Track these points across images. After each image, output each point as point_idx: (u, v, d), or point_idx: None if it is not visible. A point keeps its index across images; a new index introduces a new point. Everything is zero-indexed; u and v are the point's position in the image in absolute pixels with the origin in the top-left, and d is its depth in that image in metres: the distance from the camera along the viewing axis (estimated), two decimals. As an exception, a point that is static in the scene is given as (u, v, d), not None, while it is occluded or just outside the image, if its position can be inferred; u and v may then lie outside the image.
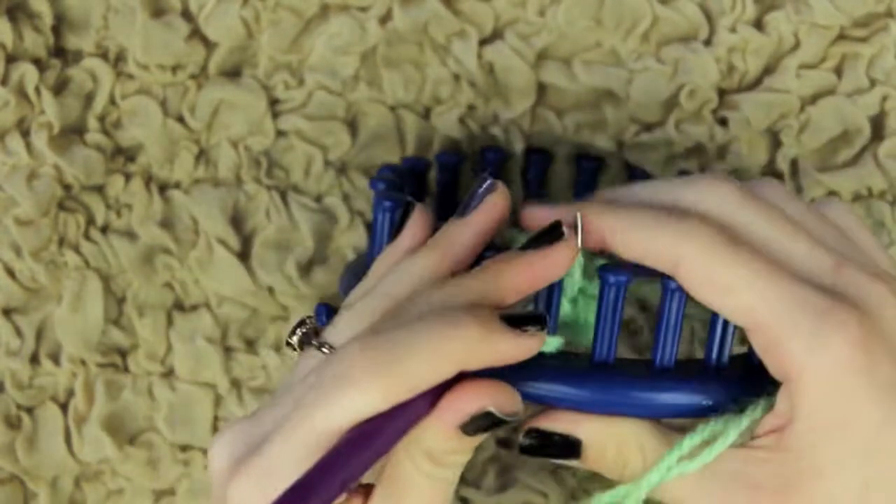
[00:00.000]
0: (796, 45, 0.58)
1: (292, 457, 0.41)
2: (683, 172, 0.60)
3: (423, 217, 0.48)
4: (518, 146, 0.61)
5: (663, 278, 0.46)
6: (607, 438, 0.46)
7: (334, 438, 0.41)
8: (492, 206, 0.46)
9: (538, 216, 0.48)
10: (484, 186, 0.47)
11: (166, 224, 0.60)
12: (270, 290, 0.61)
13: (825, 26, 0.58)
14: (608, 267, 0.46)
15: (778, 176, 0.60)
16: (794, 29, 0.58)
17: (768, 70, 0.59)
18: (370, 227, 0.55)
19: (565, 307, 0.48)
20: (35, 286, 0.60)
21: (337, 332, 0.45)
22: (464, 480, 0.63)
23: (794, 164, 0.60)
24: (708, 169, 0.60)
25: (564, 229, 0.45)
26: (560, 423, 0.47)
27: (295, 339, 0.45)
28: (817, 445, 0.43)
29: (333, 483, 0.40)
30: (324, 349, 0.44)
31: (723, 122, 0.59)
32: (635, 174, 0.60)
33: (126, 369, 0.61)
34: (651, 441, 0.46)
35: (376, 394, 0.41)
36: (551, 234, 0.45)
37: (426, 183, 0.59)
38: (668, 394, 0.46)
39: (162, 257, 0.60)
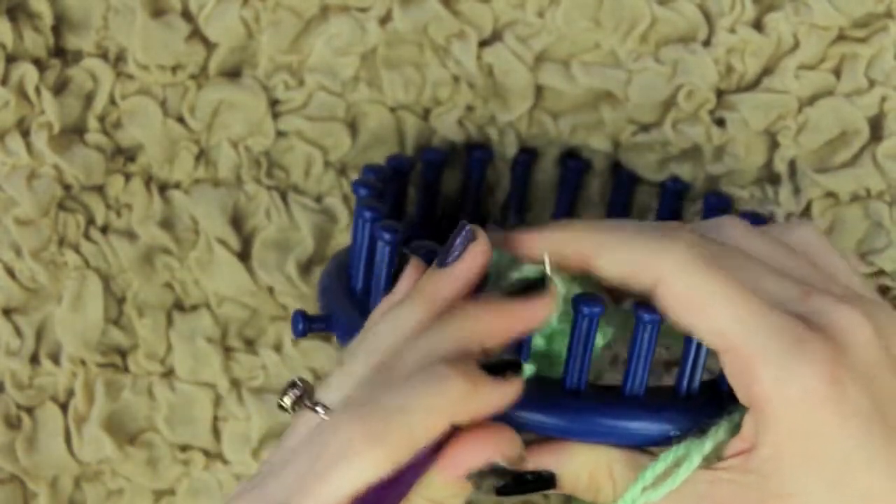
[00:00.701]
0: (795, 46, 0.58)
1: None
2: (675, 179, 0.60)
3: (418, 271, 0.48)
4: (512, 149, 0.61)
5: (636, 308, 0.46)
6: (579, 467, 0.47)
7: None
8: (473, 255, 0.47)
9: (526, 242, 0.48)
10: (463, 234, 0.47)
11: (166, 224, 0.60)
12: (270, 289, 0.61)
13: (824, 27, 0.58)
14: (582, 297, 0.47)
15: (776, 177, 0.60)
16: (794, 29, 0.58)
17: (767, 71, 0.59)
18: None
19: (539, 341, 0.49)
20: (35, 286, 0.60)
21: (330, 391, 0.45)
22: (464, 480, 0.63)
23: (791, 164, 0.60)
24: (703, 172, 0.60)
25: (549, 281, 0.46)
26: (534, 460, 0.48)
27: (287, 402, 0.46)
28: (783, 471, 0.43)
29: None
30: (318, 409, 0.45)
31: (720, 122, 0.59)
32: (622, 177, 0.60)
33: (126, 369, 0.61)
34: (621, 469, 0.47)
35: (378, 461, 0.42)
36: (535, 288, 0.46)
37: (408, 182, 0.60)
38: (637, 422, 0.47)
39: (162, 257, 0.60)
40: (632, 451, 0.47)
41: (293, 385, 0.46)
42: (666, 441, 0.47)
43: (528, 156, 0.60)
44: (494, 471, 0.44)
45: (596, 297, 0.47)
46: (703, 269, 0.44)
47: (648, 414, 0.47)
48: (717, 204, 0.58)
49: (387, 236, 0.50)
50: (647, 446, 0.47)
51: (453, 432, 0.43)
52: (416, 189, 0.60)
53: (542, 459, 0.48)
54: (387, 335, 0.45)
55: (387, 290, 0.50)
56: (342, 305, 0.53)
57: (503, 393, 0.44)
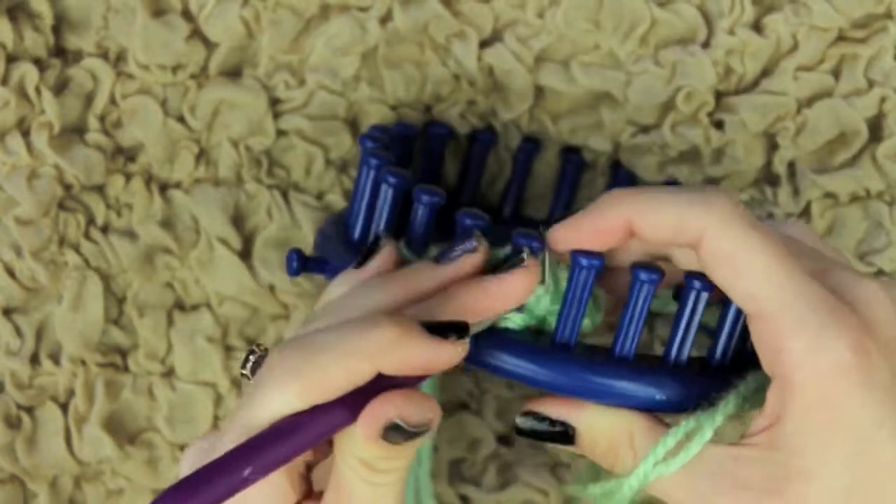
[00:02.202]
0: (794, 47, 0.58)
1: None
2: (671, 182, 0.60)
3: (391, 254, 0.48)
4: (514, 141, 0.61)
5: (633, 269, 0.46)
6: (599, 432, 0.47)
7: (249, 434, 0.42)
8: (467, 265, 0.47)
9: (559, 239, 0.48)
10: (467, 244, 0.47)
11: (167, 224, 0.60)
12: (272, 288, 0.61)
13: (824, 28, 0.58)
14: (580, 252, 0.47)
15: (775, 178, 0.60)
16: (793, 31, 0.58)
17: (766, 72, 0.59)
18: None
19: (528, 317, 0.48)
20: (35, 286, 0.60)
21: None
22: (464, 478, 0.63)
23: (790, 166, 0.60)
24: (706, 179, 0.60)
25: (526, 257, 0.46)
26: (557, 409, 0.47)
27: (248, 368, 0.46)
28: (807, 446, 0.43)
29: (237, 474, 0.41)
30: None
31: (719, 125, 0.59)
32: (620, 176, 0.60)
33: (126, 369, 0.61)
34: (641, 438, 0.46)
35: (292, 392, 0.42)
36: (513, 261, 0.46)
37: (412, 150, 0.60)
38: (623, 382, 0.47)
39: (162, 257, 0.60)
40: (654, 421, 0.47)
41: (251, 352, 0.46)
42: (652, 405, 0.47)
43: (531, 145, 0.60)
44: (402, 432, 0.43)
45: (596, 253, 0.47)
46: (748, 228, 0.44)
47: (635, 376, 0.47)
48: None
49: (392, 179, 0.50)
50: (633, 407, 0.47)
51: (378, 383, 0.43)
52: (419, 161, 0.60)
53: (561, 410, 0.47)
54: (353, 308, 0.45)
55: (387, 229, 0.51)
56: (338, 252, 0.52)
57: (436, 350, 0.43)
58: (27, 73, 0.58)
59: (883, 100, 0.59)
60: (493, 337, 0.47)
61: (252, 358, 0.46)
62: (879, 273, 0.60)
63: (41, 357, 0.61)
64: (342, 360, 0.42)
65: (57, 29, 0.58)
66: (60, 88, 0.58)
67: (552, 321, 0.48)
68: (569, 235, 0.47)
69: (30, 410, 0.61)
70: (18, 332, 0.60)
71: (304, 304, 0.61)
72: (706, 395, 0.47)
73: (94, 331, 0.60)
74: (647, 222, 0.46)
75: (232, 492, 0.41)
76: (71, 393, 0.61)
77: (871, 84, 0.59)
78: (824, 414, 0.43)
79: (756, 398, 0.46)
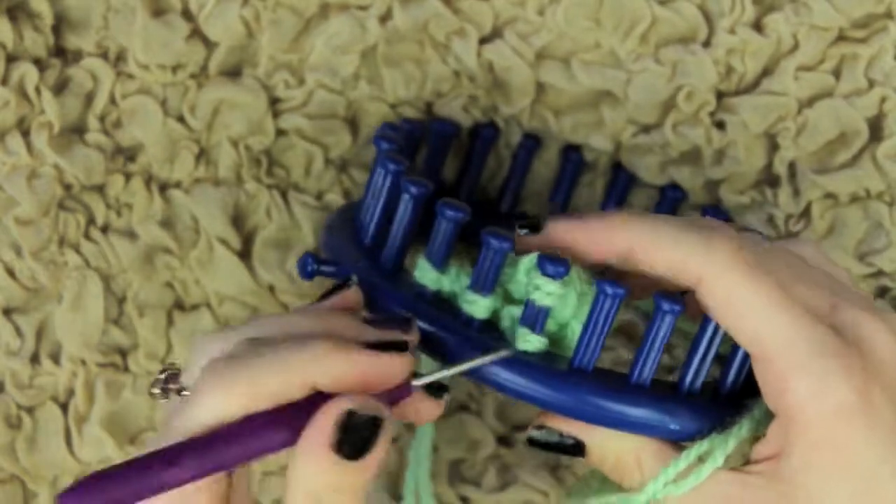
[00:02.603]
0: (795, 47, 0.58)
1: None
2: (675, 187, 0.60)
3: (355, 298, 0.48)
4: (515, 136, 0.61)
5: (657, 298, 0.46)
6: (609, 450, 0.48)
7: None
8: (393, 335, 0.46)
9: (561, 229, 0.48)
10: (409, 330, 0.46)
11: (167, 224, 0.60)
12: (271, 288, 0.61)
13: (824, 28, 0.58)
14: (606, 279, 0.47)
15: (775, 179, 0.60)
16: (794, 30, 0.58)
17: (766, 72, 0.59)
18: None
19: (551, 325, 0.48)
20: (35, 286, 0.60)
21: (195, 373, 0.45)
22: (464, 479, 0.63)
23: (791, 166, 0.60)
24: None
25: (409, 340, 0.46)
26: (569, 427, 0.48)
27: (156, 391, 0.47)
28: (813, 483, 0.44)
29: (149, 482, 0.41)
30: (183, 393, 0.46)
31: (720, 125, 0.59)
32: (620, 178, 0.60)
33: (126, 369, 0.61)
34: (648, 458, 0.47)
35: (228, 396, 0.42)
36: (395, 345, 0.45)
37: (417, 146, 0.59)
38: (638, 411, 0.47)
39: (162, 257, 0.60)
40: (660, 441, 0.47)
41: (165, 370, 0.47)
42: (665, 433, 0.47)
43: (532, 142, 0.60)
44: (353, 445, 0.42)
45: (620, 282, 0.46)
46: (747, 274, 0.44)
47: (650, 404, 0.47)
48: (714, 215, 0.58)
49: (414, 190, 0.49)
50: (646, 434, 0.47)
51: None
52: (421, 157, 0.60)
53: (573, 428, 0.48)
54: (272, 328, 0.45)
55: (405, 239, 0.50)
56: (351, 255, 0.52)
57: (374, 363, 0.43)
58: (27, 72, 0.58)
59: (883, 100, 0.59)
60: (509, 360, 0.47)
61: (163, 376, 0.47)
62: (879, 274, 0.60)
63: (41, 357, 0.61)
64: (272, 372, 0.42)
65: (57, 29, 0.58)
66: (60, 88, 0.58)
67: (574, 330, 0.48)
68: (568, 234, 0.48)
69: (30, 410, 0.61)
70: (19, 332, 0.60)
71: (304, 305, 0.60)
72: (718, 422, 0.47)
73: (94, 331, 0.60)
74: (648, 257, 0.46)
75: (150, 492, 0.41)
76: (71, 393, 0.61)
77: (871, 84, 0.59)
78: (829, 453, 0.44)
79: (767, 423, 0.46)
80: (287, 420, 0.42)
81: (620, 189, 0.60)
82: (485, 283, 0.47)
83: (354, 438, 0.42)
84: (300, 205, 0.60)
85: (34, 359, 0.61)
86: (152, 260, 0.61)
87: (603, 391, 0.47)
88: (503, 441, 0.62)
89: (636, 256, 0.46)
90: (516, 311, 0.48)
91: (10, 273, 0.60)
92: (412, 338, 0.46)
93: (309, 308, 0.48)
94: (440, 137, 0.60)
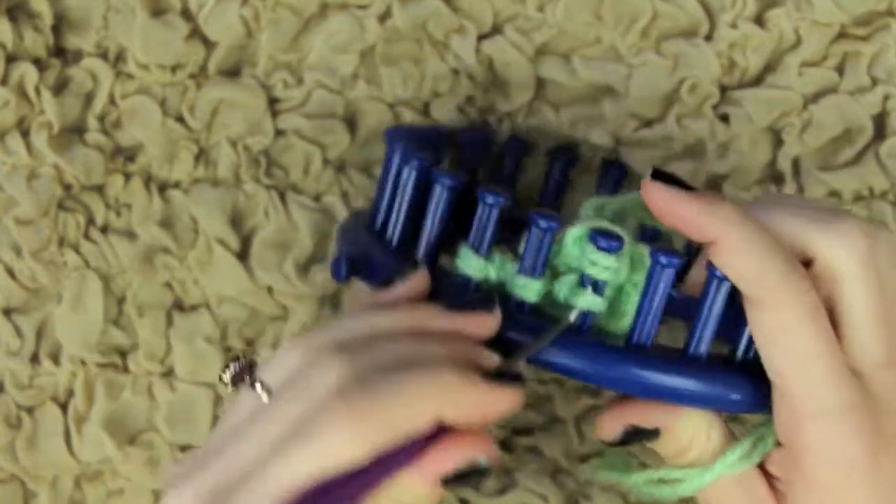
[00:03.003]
0: (797, 43, 0.58)
1: None
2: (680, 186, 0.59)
3: (423, 284, 0.47)
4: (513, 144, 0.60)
5: (710, 267, 0.46)
6: (682, 429, 0.48)
7: (300, 487, 0.40)
8: (479, 322, 0.46)
9: (660, 195, 0.47)
10: (486, 302, 0.46)
11: (166, 224, 0.60)
12: (269, 289, 0.61)
13: (826, 24, 0.57)
14: (662, 249, 0.46)
15: (779, 176, 0.60)
16: (795, 26, 0.58)
17: (769, 67, 0.58)
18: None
19: (604, 295, 0.48)
20: (35, 286, 0.60)
21: (275, 371, 0.44)
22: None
23: (795, 163, 0.59)
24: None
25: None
26: (655, 417, 0.48)
27: (227, 377, 0.45)
28: None
29: None
30: (259, 388, 0.43)
31: (724, 118, 0.59)
32: (610, 172, 0.60)
33: (126, 369, 0.61)
34: (716, 434, 0.48)
35: (356, 442, 0.40)
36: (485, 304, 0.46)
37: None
38: (701, 385, 0.47)
39: (161, 257, 0.60)
40: (720, 419, 0.48)
41: (235, 359, 0.45)
42: (728, 404, 0.47)
43: (518, 144, 0.60)
44: (463, 479, 0.43)
45: (675, 250, 0.46)
46: (805, 318, 0.45)
47: (710, 378, 0.47)
48: None
49: (448, 182, 0.49)
50: (707, 407, 0.47)
51: (435, 435, 0.42)
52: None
53: (656, 418, 0.48)
54: (356, 329, 0.44)
55: (440, 235, 0.49)
56: (378, 254, 0.51)
57: (497, 398, 0.43)
58: (27, 72, 0.58)
59: (886, 97, 0.58)
60: (570, 341, 0.46)
61: (234, 366, 0.45)
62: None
63: (41, 357, 0.61)
64: (409, 411, 0.41)
65: (56, 29, 0.58)
66: (60, 88, 0.59)
67: (629, 294, 0.47)
68: (665, 202, 0.46)
69: (30, 410, 0.61)
70: (18, 332, 0.61)
71: (302, 306, 0.60)
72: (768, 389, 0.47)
73: (93, 331, 0.60)
74: (727, 258, 0.45)
75: None
76: (71, 393, 0.61)
77: (874, 82, 0.58)
78: (830, 497, 0.45)
79: None
80: (410, 455, 0.42)
81: (612, 186, 0.60)
82: (535, 265, 0.47)
83: (462, 479, 0.43)
84: (298, 206, 0.60)
85: (34, 359, 0.61)
86: (151, 260, 0.61)
87: (670, 367, 0.46)
88: (503, 445, 0.62)
89: (718, 250, 0.46)
90: (570, 279, 0.47)
91: (10, 273, 0.60)
92: (497, 318, 0.46)
93: (384, 300, 0.47)
94: (469, 148, 0.59)
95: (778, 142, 0.59)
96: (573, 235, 0.48)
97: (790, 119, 0.58)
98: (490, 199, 0.48)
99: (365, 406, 0.41)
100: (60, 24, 0.59)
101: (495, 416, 0.44)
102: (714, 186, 0.60)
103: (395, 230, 0.51)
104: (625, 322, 0.48)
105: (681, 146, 0.59)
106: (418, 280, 0.47)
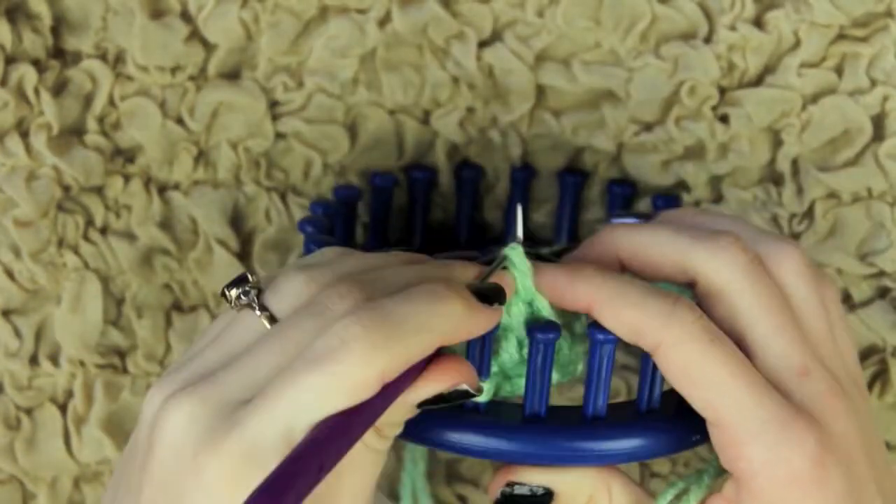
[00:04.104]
0: (797, 44, 0.58)
1: (277, 438, 0.40)
2: (669, 198, 0.59)
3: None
4: (516, 150, 0.61)
5: (591, 329, 0.47)
6: (579, 490, 0.47)
7: (317, 420, 0.40)
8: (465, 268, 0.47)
9: (556, 283, 0.48)
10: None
11: (165, 225, 0.60)
12: (269, 290, 0.61)
13: (825, 25, 0.57)
14: (537, 324, 0.47)
15: (779, 177, 0.60)
16: (794, 28, 0.58)
17: (769, 69, 0.58)
18: None
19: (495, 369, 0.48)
20: (34, 287, 0.60)
21: (283, 299, 0.43)
22: (462, 478, 0.63)
23: (795, 163, 0.59)
24: (722, 204, 0.60)
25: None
26: (539, 476, 0.48)
27: (233, 294, 0.44)
28: None
29: (311, 471, 0.38)
30: (262, 315, 0.43)
31: (723, 119, 0.59)
32: (613, 191, 0.60)
33: (125, 370, 0.61)
34: (619, 493, 0.47)
35: (372, 367, 0.40)
36: (493, 298, 0.45)
37: (356, 214, 0.59)
38: (602, 443, 0.47)
39: (161, 258, 0.60)
40: (626, 476, 0.48)
41: (243, 280, 0.44)
42: (633, 457, 0.47)
43: (524, 173, 0.60)
44: (443, 400, 0.44)
45: (552, 323, 0.47)
46: (704, 344, 0.45)
47: (612, 434, 0.47)
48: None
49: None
50: (619, 462, 0.47)
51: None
52: (367, 215, 0.60)
53: (543, 477, 0.48)
54: (361, 262, 0.44)
55: None
56: None
57: (488, 321, 0.44)
58: (26, 74, 0.58)
59: (885, 98, 0.58)
60: (463, 419, 0.47)
61: (240, 287, 0.44)
62: (881, 274, 0.60)
63: (40, 358, 0.61)
64: (420, 338, 0.41)
65: (56, 30, 0.58)
66: (59, 90, 0.59)
67: (519, 379, 0.48)
68: (539, 279, 0.48)
69: (29, 411, 0.61)
70: (17, 333, 0.61)
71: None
72: (688, 430, 0.47)
73: (92, 332, 0.60)
74: (608, 316, 0.46)
75: (309, 490, 0.38)
76: (70, 394, 0.61)
77: (873, 83, 0.58)
78: None
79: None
80: (408, 382, 0.42)
81: (621, 204, 0.60)
82: (480, 368, 0.47)
83: (443, 401, 0.44)
84: (299, 208, 0.60)
85: (33, 360, 0.61)
86: (151, 261, 0.61)
87: (563, 433, 0.47)
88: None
89: (597, 313, 0.46)
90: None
91: (9, 274, 0.60)
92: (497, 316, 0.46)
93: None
94: (380, 193, 0.59)
95: (777, 142, 0.59)
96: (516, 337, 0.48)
97: (790, 119, 0.59)
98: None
99: (381, 333, 0.40)
100: (59, 25, 0.59)
101: (483, 332, 0.44)
102: (714, 187, 0.60)
103: None
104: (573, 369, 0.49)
105: (681, 148, 0.59)
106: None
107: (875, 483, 0.46)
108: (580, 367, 0.49)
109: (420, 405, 0.43)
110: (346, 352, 0.40)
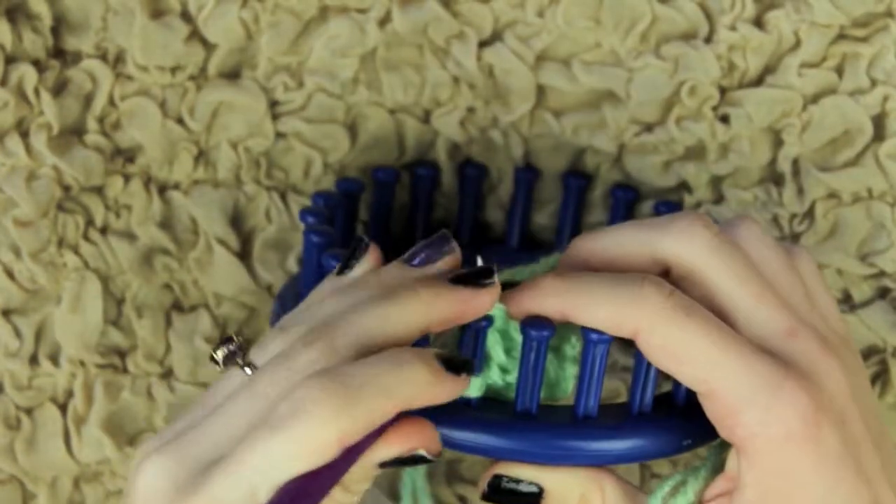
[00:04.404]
0: (797, 44, 0.58)
1: (241, 499, 0.41)
2: (669, 204, 0.60)
3: (375, 258, 0.48)
4: (518, 151, 0.61)
5: (584, 329, 0.47)
6: (569, 488, 0.47)
7: (280, 482, 0.41)
8: (446, 262, 0.47)
9: (522, 304, 0.48)
10: (438, 240, 0.47)
11: (166, 225, 0.60)
12: (270, 288, 0.61)
13: (825, 25, 0.57)
14: (531, 321, 0.47)
15: (779, 177, 0.60)
16: (795, 28, 0.57)
17: (769, 69, 0.58)
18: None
19: (493, 374, 0.49)
20: (34, 287, 0.60)
21: (267, 354, 0.44)
22: (463, 479, 0.63)
23: (795, 163, 0.59)
24: (687, 207, 0.60)
25: (496, 274, 0.46)
26: (527, 472, 0.48)
27: (220, 355, 0.45)
28: None
29: None
30: (248, 370, 0.44)
31: (724, 119, 0.59)
32: (617, 195, 0.60)
33: (125, 370, 0.61)
34: (612, 491, 0.47)
35: (333, 432, 0.41)
36: (482, 276, 0.46)
37: (358, 204, 0.59)
38: (593, 443, 0.47)
39: (161, 258, 0.60)
40: (622, 478, 0.48)
41: (229, 340, 0.45)
42: (624, 458, 0.47)
43: (529, 174, 0.61)
44: (403, 462, 0.44)
45: (546, 320, 0.47)
46: (682, 319, 0.45)
47: (602, 434, 0.47)
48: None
49: (335, 264, 0.49)
50: (609, 463, 0.47)
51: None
52: (368, 210, 0.60)
53: (531, 472, 0.48)
54: (335, 311, 0.45)
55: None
56: None
57: (453, 390, 0.44)
58: (26, 74, 0.58)
59: (886, 99, 0.58)
60: (453, 415, 0.47)
61: (226, 347, 0.45)
62: (881, 275, 0.59)
63: (40, 358, 0.61)
64: (381, 402, 0.42)
65: (56, 30, 0.58)
66: (59, 90, 0.59)
67: (511, 378, 0.48)
68: (507, 302, 0.48)
69: (29, 411, 0.61)
70: (17, 333, 0.61)
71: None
72: (678, 434, 0.48)
73: (93, 332, 0.60)
74: (583, 318, 0.46)
75: None
76: (70, 394, 0.61)
77: (873, 83, 0.58)
78: (780, 481, 0.45)
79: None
80: (369, 444, 0.43)
81: (624, 208, 0.60)
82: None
83: (405, 462, 0.44)
84: (300, 207, 0.60)
85: (33, 360, 0.61)
86: (151, 261, 0.61)
87: (553, 431, 0.47)
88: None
89: (572, 319, 0.46)
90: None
91: (9, 274, 0.60)
92: (496, 291, 0.46)
93: (340, 283, 0.47)
94: (382, 187, 0.60)
95: (778, 142, 0.59)
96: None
97: (790, 120, 0.58)
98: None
99: (340, 397, 0.41)
100: (59, 25, 0.58)
101: (447, 401, 0.44)
102: (715, 187, 0.60)
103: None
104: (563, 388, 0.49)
105: (682, 148, 0.59)
106: (373, 256, 0.48)
107: (871, 440, 0.46)
108: (569, 389, 0.49)
109: (381, 465, 0.43)
110: (306, 416, 0.41)
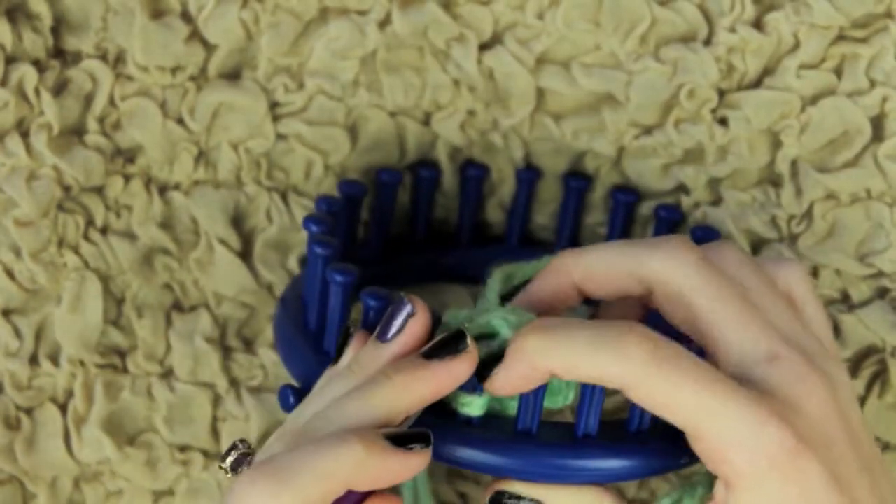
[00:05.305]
0: (796, 46, 0.58)
1: None
2: (669, 208, 0.60)
3: (361, 344, 0.49)
4: (518, 153, 0.61)
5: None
6: None
7: None
8: (412, 331, 0.47)
9: (511, 379, 0.48)
10: (403, 310, 0.48)
11: (166, 225, 0.60)
12: (270, 288, 0.61)
13: (825, 26, 0.57)
14: None
15: (778, 179, 0.60)
16: (794, 29, 0.58)
17: (768, 71, 0.59)
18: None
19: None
20: (34, 287, 0.60)
21: (268, 453, 0.46)
22: (463, 476, 0.63)
23: (794, 165, 0.60)
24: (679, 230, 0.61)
25: (469, 343, 0.47)
26: (529, 490, 0.48)
27: (228, 463, 0.47)
28: None
29: None
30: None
31: (723, 121, 0.59)
32: (617, 197, 0.60)
33: (125, 370, 0.61)
34: None
35: None
36: (454, 343, 0.47)
37: (360, 210, 0.60)
38: (592, 462, 0.47)
39: (161, 258, 0.61)
40: (618, 494, 0.48)
41: (234, 447, 0.47)
42: (623, 477, 0.48)
43: (530, 174, 0.61)
44: None
45: None
46: (666, 371, 0.45)
47: (602, 453, 0.48)
48: (705, 236, 0.58)
49: (339, 279, 0.50)
50: (607, 481, 0.48)
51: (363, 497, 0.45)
52: (370, 212, 0.61)
53: (533, 490, 0.48)
54: (319, 405, 0.46)
55: (339, 329, 0.50)
56: (298, 346, 0.53)
57: (404, 464, 0.45)
58: (26, 74, 0.58)
59: (885, 99, 0.58)
60: (455, 431, 0.48)
61: (234, 454, 0.47)
62: (879, 275, 0.60)
63: (40, 358, 0.61)
64: (316, 483, 0.43)
65: (56, 30, 0.58)
66: (59, 90, 0.59)
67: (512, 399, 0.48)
68: (493, 383, 0.48)
69: (29, 411, 0.61)
70: (17, 333, 0.61)
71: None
72: (676, 453, 0.48)
73: (93, 332, 0.60)
74: (572, 375, 0.46)
75: None
76: (70, 394, 0.61)
77: (872, 84, 0.58)
78: None
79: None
80: None
81: (623, 211, 0.60)
82: (474, 382, 0.48)
83: None
84: (300, 207, 0.61)
85: (33, 360, 0.61)
86: (151, 261, 0.61)
87: (553, 450, 0.47)
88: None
89: (559, 377, 0.47)
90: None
91: (10, 274, 0.60)
92: (473, 356, 0.47)
93: (334, 372, 0.49)
94: (385, 189, 0.60)
95: (776, 144, 0.59)
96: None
97: (789, 121, 0.59)
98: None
99: (274, 484, 0.43)
100: (60, 25, 0.59)
101: (404, 479, 0.45)
102: (713, 189, 0.60)
103: (311, 314, 0.53)
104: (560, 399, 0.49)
105: (680, 151, 0.59)
106: (358, 344, 0.49)
107: (858, 460, 0.46)
108: (571, 396, 0.49)
109: None
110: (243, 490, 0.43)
